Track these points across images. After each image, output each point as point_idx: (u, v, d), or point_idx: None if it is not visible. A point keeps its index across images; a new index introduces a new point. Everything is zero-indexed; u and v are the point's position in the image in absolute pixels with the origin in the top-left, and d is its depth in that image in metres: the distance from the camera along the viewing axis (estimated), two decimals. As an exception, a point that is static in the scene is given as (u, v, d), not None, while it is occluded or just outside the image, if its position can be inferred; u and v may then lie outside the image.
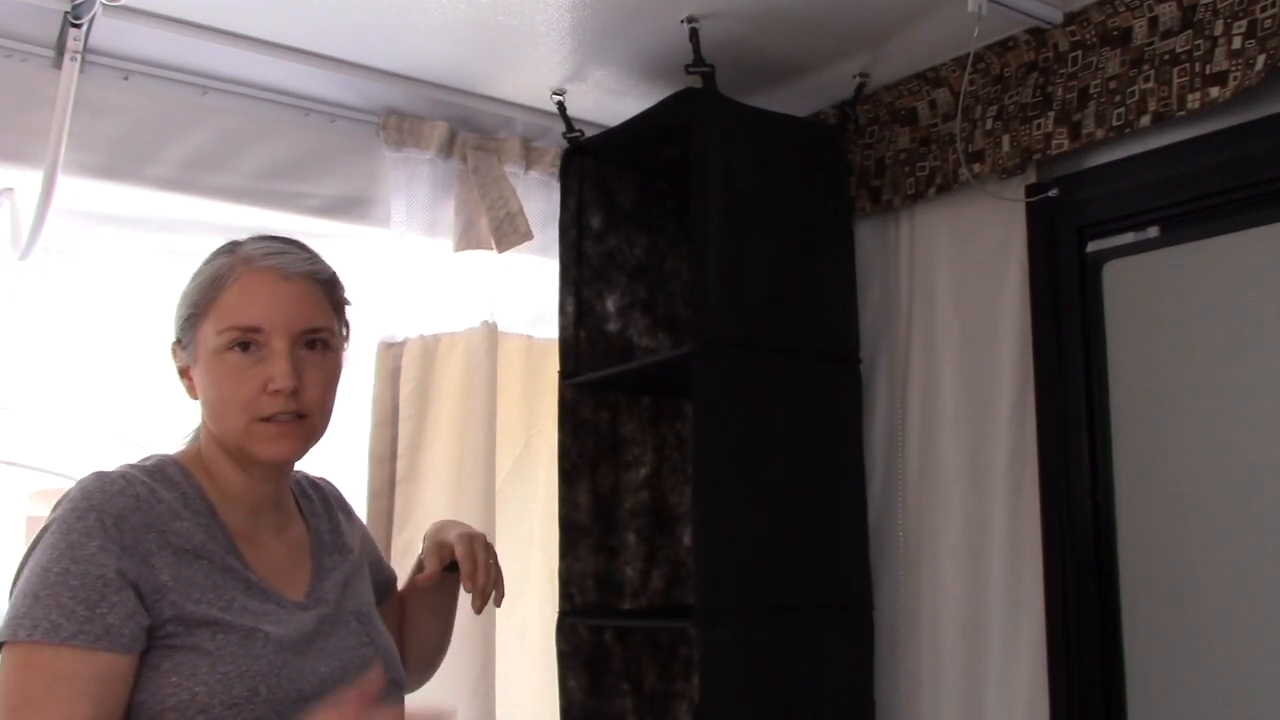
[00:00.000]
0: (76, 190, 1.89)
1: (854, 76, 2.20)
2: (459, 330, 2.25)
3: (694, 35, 1.96)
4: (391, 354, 2.19)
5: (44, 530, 1.16)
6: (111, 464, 1.23)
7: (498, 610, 1.69)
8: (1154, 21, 1.82)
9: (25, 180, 1.83)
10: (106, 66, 1.94)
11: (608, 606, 2.24)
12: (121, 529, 1.14)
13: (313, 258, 1.33)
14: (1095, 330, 1.97)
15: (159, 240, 2.03)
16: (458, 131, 2.26)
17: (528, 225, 2.24)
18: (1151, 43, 1.83)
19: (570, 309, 2.26)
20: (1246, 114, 1.76)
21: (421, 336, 2.22)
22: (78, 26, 1.80)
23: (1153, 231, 1.92)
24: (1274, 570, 1.73)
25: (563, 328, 2.25)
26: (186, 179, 2.00)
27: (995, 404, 2.07)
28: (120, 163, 1.94)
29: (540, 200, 2.36)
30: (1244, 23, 1.69)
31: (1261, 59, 1.65)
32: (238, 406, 1.24)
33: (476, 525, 1.53)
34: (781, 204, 2.14)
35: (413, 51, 2.06)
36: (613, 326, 2.32)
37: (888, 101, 2.25)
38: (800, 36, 2.03)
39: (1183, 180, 1.85)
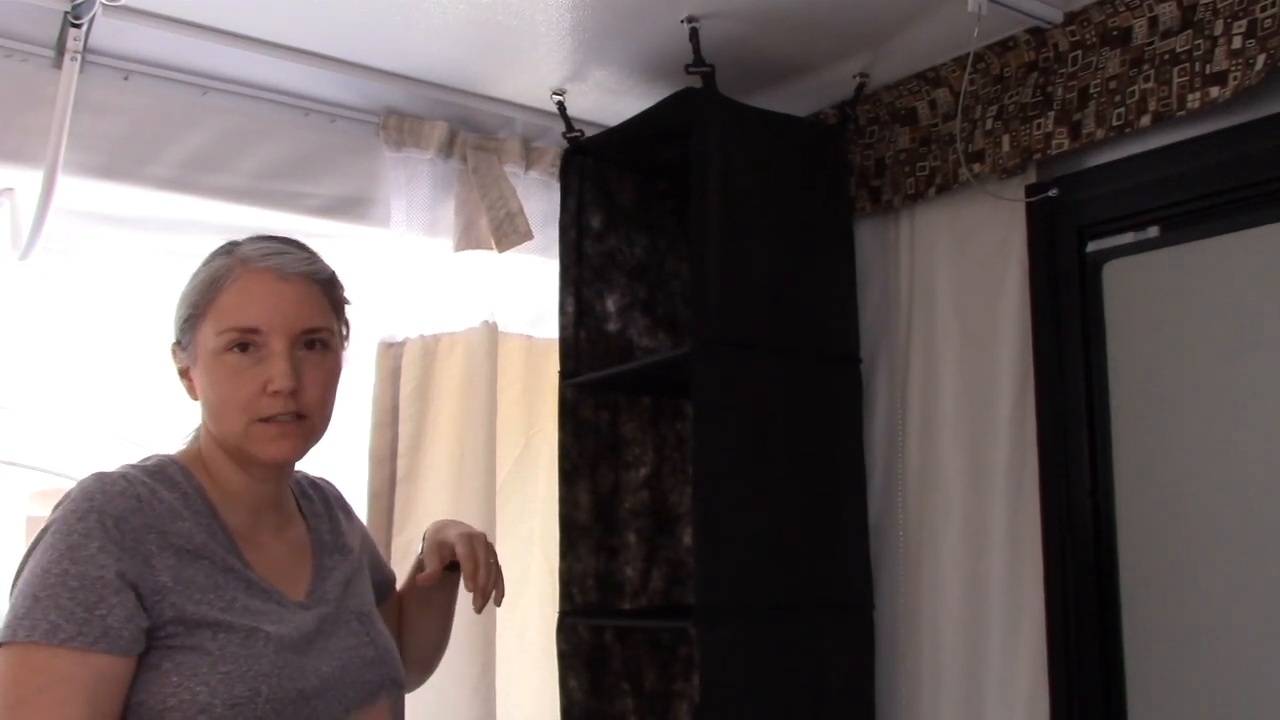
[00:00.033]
0: (76, 190, 1.89)
1: (854, 76, 2.20)
2: (459, 330, 2.25)
3: (694, 35, 1.96)
4: (391, 354, 2.19)
5: (44, 531, 1.16)
6: (112, 464, 1.23)
7: (498, 610, 1.69)
8: (1154, 21, 1.82)
9: (25, 180, 1.83)
10: (106, 66, 1.94)
11: (608, 606, 2.24)
12: (122, 530, 1.14)
13: (311, 258, 1.33)
14: (1095, 330, 1.97)
15: (159, 240, 2.03)
16: (458, 131, 2.26)
17: (528, 225, 2.24)
18: (1151, 42, 1.83)
19: (570, 309, 2.26)
20: (1246, 114, 1.76)
21: (421, 336, 2.22)
22: (78, 26, 1.80)
23: (1153, 231, 1.92)
24: (1274, 570, 1.73)
25: (563, 328, 2.25)
26: (186, 179, 2.00)
27: (995, 404, 2.07)
28: (120, 163, 1.94)
29: (540, 200, 2.36)
30: (1244, 22, 1.69)
31: (1261, 59, 1.65)
32: (237, 407, 1.24)
33: (477, 525, 1.53)
34: (781, 204, 2.14)
35: (413, 51, 2.06)
36: (613, 326, 2.32)
37: (888, 101, 2.25)
38: (800, 36, 2.03)
39: (1183, 180, 1.85)
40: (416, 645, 1.54)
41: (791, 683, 2.01)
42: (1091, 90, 1.91)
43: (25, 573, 1.14)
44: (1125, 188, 1.93)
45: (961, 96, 2.07)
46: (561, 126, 2.28)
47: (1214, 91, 1.72)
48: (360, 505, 2.02)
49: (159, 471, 1.24)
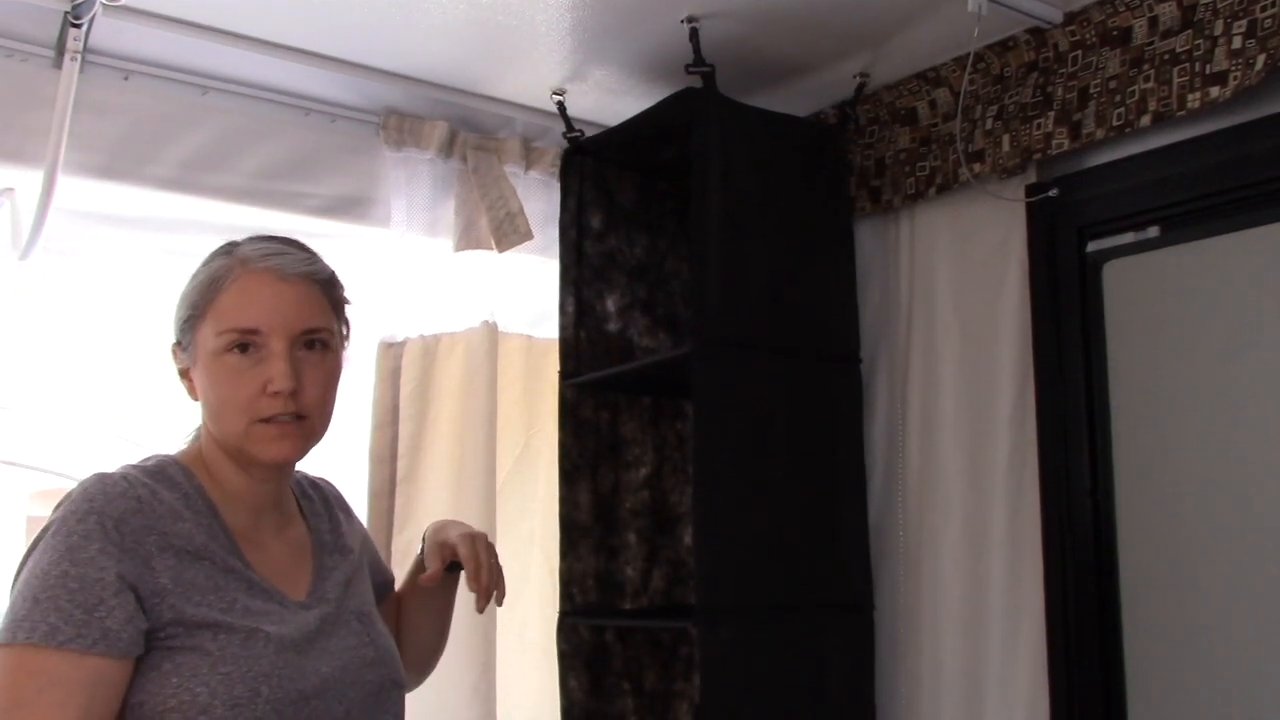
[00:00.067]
0: (76, 190, 1.89)
1: (854, 76, 2.20)
2: (459, 330, 2.24)
3: (694, 35, 1.96)
4: (391, 354, 2.19)
5: (44, 531, 1.16)
6: (112, 464, 1.23)
7: (498, 610, 1.69)
8: (1154, 21, 1.82)
9: (25, 180, 1.83)
10: (106, 66, 1.94)
11: (608, 606, 2.24)
12: (122, 532, 1.14)
13: (311, 258, 1.33)
14: (1095, 330, 1.97)
15: (159, 240, 2.03)
16: (458, 131, 2.26)
17: (528, 225, 2.24)
18: (1151, 42, 1.83)
19: (570, 309, 2.26)
20: (1246, 114, 1.76)
21: (421, 336, 2.22)
22: (78, 26, 1.80)
23: (1153, 231, 1.92)
24: (1274, 570, 1.73)
25: (563, 328, 2.25)
26: (186, 179, 2.00)
27: (995, 404, 2.07)
28: (120, 163, 1.94)
29: (540, 200, 2.36)
30: (1244, 22, 1.69)
31: (1261, 59, 1.65)
32: (237, 408, 1.24)
33: (477, 525, 1.53)
34: (781, 204, 2.14)
35: (413, 51, 2.06)
36: (613, 326, 2.32)
37: (888, 101, 2.25)
38: (800, 36, 2.03)
39: (1183, 180, 1.85)
40: (415, 646, 1.54)
41: (791, 683, 2.01)
42: (1091, 90, 1.91)
43: (25, 573, 1.14)
44: (1125, 188, 1.93)
45: (961, 96, 2.07)
46: (561, 126, 2.28)
47: (1214, 91, 1.72)
48: (360, 505, 2.02)
49: (159, 472, 1.24)
